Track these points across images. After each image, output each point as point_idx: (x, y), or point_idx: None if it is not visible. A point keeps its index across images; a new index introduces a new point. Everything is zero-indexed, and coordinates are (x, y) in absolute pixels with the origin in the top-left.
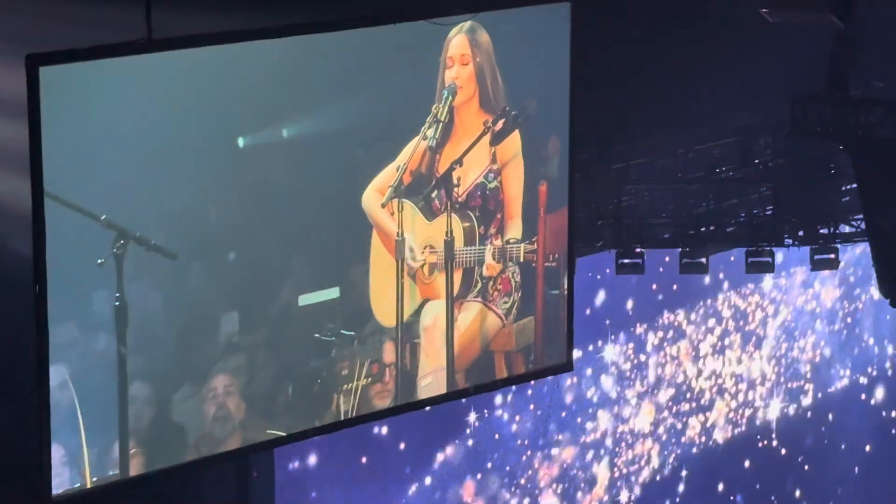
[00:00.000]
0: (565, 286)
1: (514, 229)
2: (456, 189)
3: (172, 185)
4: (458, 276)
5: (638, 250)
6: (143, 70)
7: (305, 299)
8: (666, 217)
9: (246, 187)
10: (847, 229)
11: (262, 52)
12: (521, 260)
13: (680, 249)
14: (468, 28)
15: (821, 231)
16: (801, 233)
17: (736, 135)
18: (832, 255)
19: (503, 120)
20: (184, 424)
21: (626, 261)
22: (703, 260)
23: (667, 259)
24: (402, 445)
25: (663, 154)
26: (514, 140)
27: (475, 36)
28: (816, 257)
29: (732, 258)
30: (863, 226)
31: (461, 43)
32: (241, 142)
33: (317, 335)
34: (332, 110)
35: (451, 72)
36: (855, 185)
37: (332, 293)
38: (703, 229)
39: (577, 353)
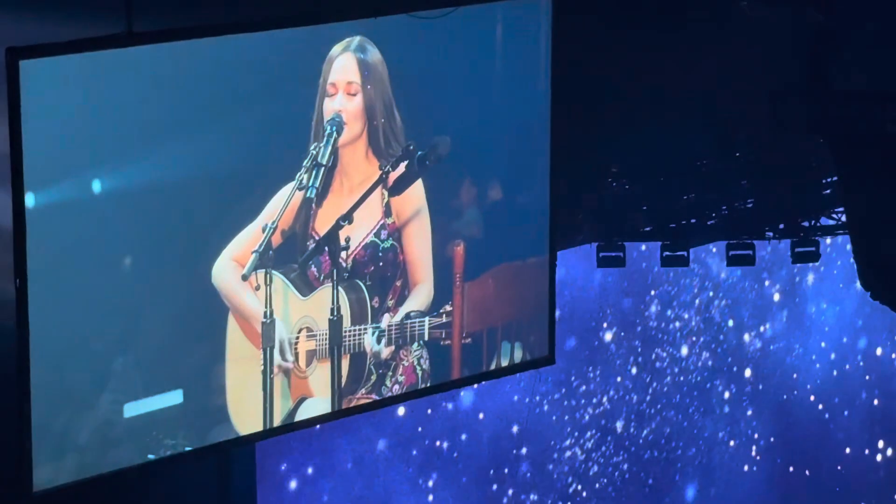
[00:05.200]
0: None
1: (418, 300)
2: (344, 252)
3: None
4: (344, 366)
5: (619, 243)
6: None
7: (133, 409)
8: (646, 210)
9: (40, 261)
10: (828, 222)
11: (56, 69)
12: (427, 338)
13: (661, 243)
14: (356, 46)
15: (802, 224)
16: (781, 226)
17: (716, 128)
18: (813, 248)
19: (405, 162)
20: None
21: (606, 254)
22: (685, 253)
23: (643, 248)
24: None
25: (644, 147)
26: (417, 189)
27: (366, 57)
28: (797, 250)
29: (714, 249)
30: (843, 219)
31: (347, 66)
32: (30, 200)
33: (151, 456)
34: (167, 153)
35: (334, 102)
36: (835, 179)
37: (173, 398)
38: (683, 222)
39: None
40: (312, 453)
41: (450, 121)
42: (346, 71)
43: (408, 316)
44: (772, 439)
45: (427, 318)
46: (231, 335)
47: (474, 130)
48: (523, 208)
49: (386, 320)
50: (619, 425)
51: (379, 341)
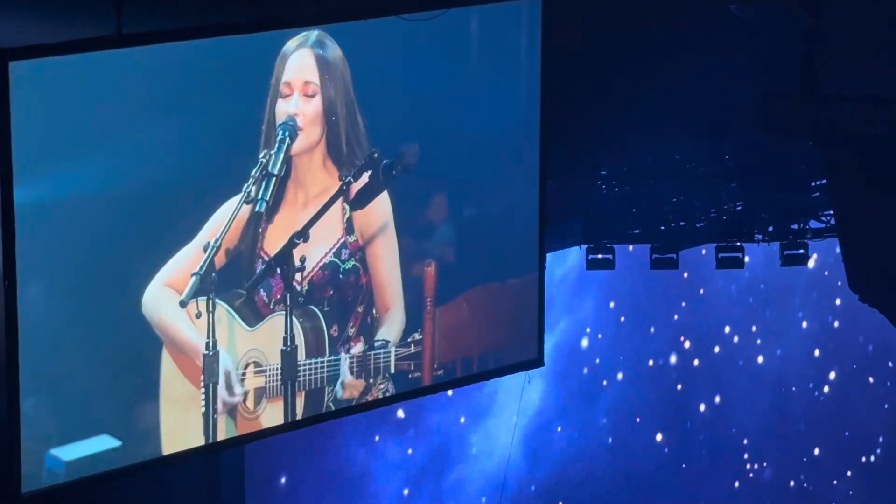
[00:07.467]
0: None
1: (388, 329)
2: (299, 274)
3: None
4: (299, 404)
5: (608, 246)
6: None
7: (57, 455)
8: (636, 212)
9: None
10: (817, 225)
11: None
12: (393, 370)
13: (650, 245)
14: (314, 41)
15: (791, 227)
16: (770, 228)
17: (706, 131)
18: (802, 251)
19: (368, 172)
20: None
21: (596, 256)
22: (674, 255)
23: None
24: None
25: (633, 150)
26: (383, 202)
27: (325, 53)
28: (786, 252)
29: (704, 251)
30: (832, 221)
31: (305, 63)
32: None
33: None
34: (87, 163)
35: (288, 104)
36: (825, 181)
37: (101, 444)
38: (673, 225)
39: None
40: (302, 454)
41: (420, 126)
42: (304, 69)
43: (373, 346)
44: (766, 463)
45: (393, 349)
46: (165, 372)
47: (448, 137)
48: (505, 222)
49: (346, 351)
50: None
51: (340, 375)
